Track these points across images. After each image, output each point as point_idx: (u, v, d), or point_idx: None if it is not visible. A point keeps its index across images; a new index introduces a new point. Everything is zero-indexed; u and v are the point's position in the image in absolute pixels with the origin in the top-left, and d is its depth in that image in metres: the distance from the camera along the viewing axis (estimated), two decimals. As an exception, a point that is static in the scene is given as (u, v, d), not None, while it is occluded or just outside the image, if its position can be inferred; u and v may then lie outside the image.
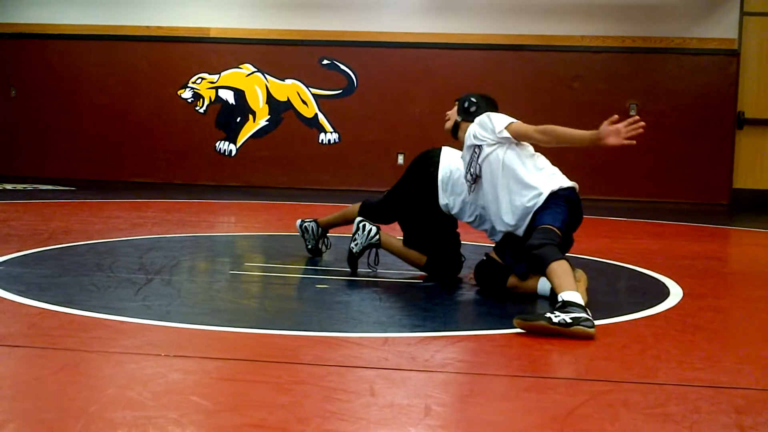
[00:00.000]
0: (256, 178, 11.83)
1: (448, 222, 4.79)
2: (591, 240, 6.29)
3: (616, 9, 11.31)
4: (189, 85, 11.90)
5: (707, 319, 3.89)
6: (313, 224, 5.34)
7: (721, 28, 11.14)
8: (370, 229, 4.74)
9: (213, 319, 3.53)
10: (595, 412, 2.44)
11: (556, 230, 3.92)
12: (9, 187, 10.12)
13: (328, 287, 4.41)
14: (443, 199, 4.68)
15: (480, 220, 4.64)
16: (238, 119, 11.89)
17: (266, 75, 11.82)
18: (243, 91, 11.87)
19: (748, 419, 2.42)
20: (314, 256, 5.33)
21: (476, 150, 4.32)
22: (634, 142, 3.82)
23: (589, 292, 4.08)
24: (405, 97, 11.57)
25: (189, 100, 11.92)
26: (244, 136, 11.90)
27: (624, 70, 11.29)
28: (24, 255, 4.94)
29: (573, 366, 3.04)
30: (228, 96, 11.88)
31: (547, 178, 4.15)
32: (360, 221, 4.79)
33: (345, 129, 11.75)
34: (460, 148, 4.57)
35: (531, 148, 4.29)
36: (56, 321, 3.37)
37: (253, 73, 11.83)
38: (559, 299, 3.48)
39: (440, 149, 4.81)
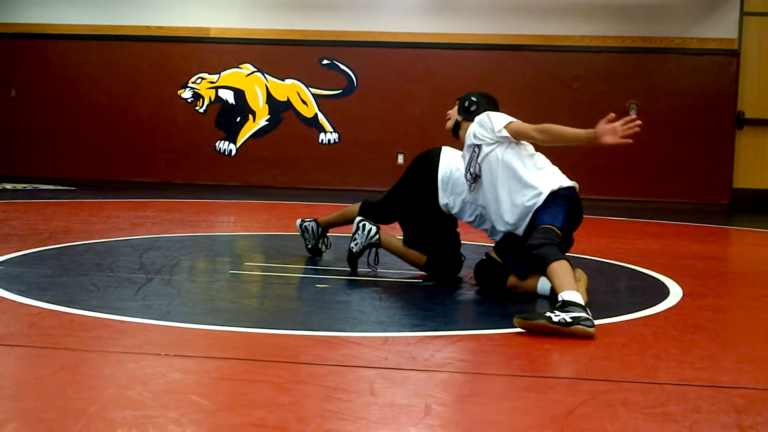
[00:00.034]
0: (255, 177, 11.83)
1: (448, 222, 4.79)
2: (591, 240, 6.29)
3: (616, 9, 11.31)
4: (189, 85, 11.90)
5: (707, 319, 3.89)
6: (313, 224, 5.34)
7: (721, 28, 11.14)
8: (370, 229, 4.74)
9: (213, 319, 3.53)
10: (595, 412, 2.44)
11: (557, 230, 3.92)
12: (9, 186, 10.12)
13: (328, 287, 4.41)
14: (443, 199, 4.68)
15: (480, 220, 4.64)
16: (238, 119, 11.89)
17: (266, 75, 11.82)
18: (243, 91, 11.87)
19: (747, 419, 2.42)
20: (314, 255, 5.33)
21: (476, 149, 4.32)
22: (631, 141, 3.81)
23: (589, 292, 4.08)
24: (405, 97, 11.57)
25: (189, 100, 11.92)
26: (243, 135, 11.90)
27: (624, 70, 11.29)
28: (24, 255, 4.94)
29: (573, 365, 3.04)
30: (228, 96, 11.88)
31: (547, 177, 4.16)
32: (360, 221, 4.79)
33: (345, 129, 11.75)
34: (461, 148, 4.57)
35: (531, 148, 4.29)
36: (56, 320, 3.37)
37: (253, 72, 11.83)
38: (559, 299, 3.48)
39: (440, 149, 4.81)
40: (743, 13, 11.15)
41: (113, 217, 7.21)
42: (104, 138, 12.05)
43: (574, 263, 3.90)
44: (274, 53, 11.79)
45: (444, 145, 4.86)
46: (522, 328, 3.36)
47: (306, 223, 5.35)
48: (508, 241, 4.32)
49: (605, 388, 2.68)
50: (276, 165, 11.82)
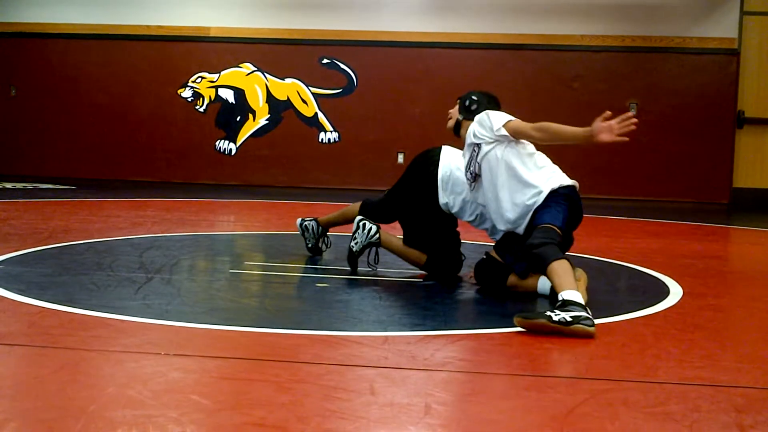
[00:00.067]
0: (255, 177, 11.83)
1: (448, 221, 4.79)
2: (591, 239, 6.29)
3: (616, 8, 11.30)
4: (189, 84, 11.90)
5: (707, 318, 3.89)
6: (313, 223, 5.34)
7: (721, 28, 11.14)
8: (370, 228, 4.74)
9: (213, 318, 3.53)
10: (595, 411, 2.44)
11: (557, 229, 3.92)
12: (9, 186, 10.12)
13: (328, 286, 4.41)
14: (443, 198, 4.68)
15: (480, 219, 4.64)
16: (238, 118, 11.89)
17: (266, 74, 11.82)
18: (243, 90, 11.87)
19: (747, 418, 2.42)
20: (314, 255, 5.33)
21: (476, 148, 4.32)
22: (627, 138, 3.81)
23: (589, 291, 4.08)
24: (405, 97, 11.57)
25: (189, 100, 11.92)
26: (244, 135, 11.90)
27: (624, 69, 11.29)
28: (24, 254, 4.94)
29: (573, 365, 3.04)
30: (228, 95, 11.88)
31: (547, 176, 4.15)
32: (360, 220, 4.79)
33: (345, 128, 11.75)
34: (462, 147, 4.57)
35: (531, 147, 4.29)
36: (56, 320, 3.37)
37: (253, 72, 11.83)
38: (560, 298, 3.48)
39: (440, 148, 4.81)
40: (743, 13, 11.15)
41: (113, 217, 7.21)
42: (104, 137, 12.05)
43: (574, 262, 3.90)
44: (274, 52, 11.79)
45: (444, 145, 4.86)
46: (522, 327, 3.36)
47: (306, 223, 5.35)
48: (508, 240, 4.32)
49: (605, 387, 2.68)
50: (276, 164, 11.82)
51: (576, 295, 3.46)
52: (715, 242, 7.36)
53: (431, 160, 4.75)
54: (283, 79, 11.81)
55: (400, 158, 11.35)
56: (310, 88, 11.76)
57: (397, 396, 2.53)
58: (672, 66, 11.23)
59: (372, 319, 3.68)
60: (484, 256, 4.42)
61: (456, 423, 2.36)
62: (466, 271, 4.66)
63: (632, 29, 11.26)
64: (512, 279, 4.26)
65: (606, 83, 11.25)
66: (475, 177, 4.38)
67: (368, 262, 4.80)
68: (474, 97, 4.51)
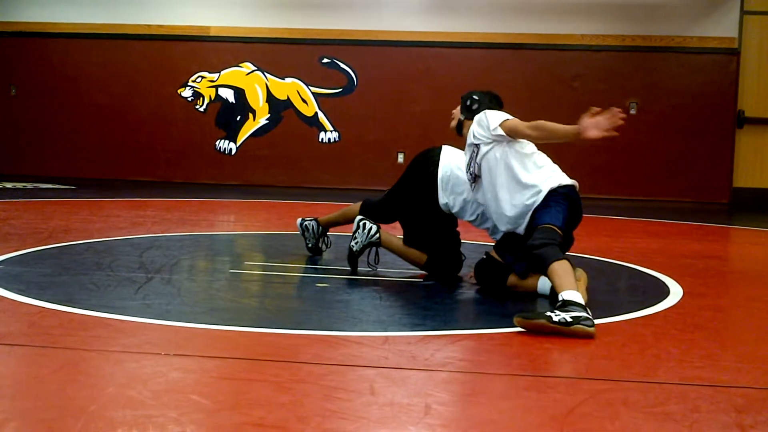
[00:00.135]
0: (256, 176, 11.82)
1: (449, 221, 4.79)
2: (591, 239, 6.29)
3: (617, 8, 11.30)
4: (189, 83, 11.90)
5: (707, 318, 3.89)
6: (313, 223, 5.34)
7: (722, 27, 11.14)
8: (371, 228, 4.74)
9: (213, 318, 3.53)
10: (595, 411, 2.44)
11: (557, 229, 3.92)
12: (9, 185, 10.12)
13: (328, 286, 4.41)
14: (443, 199, 4.68)
15: (481, 219, 4.64)
16: (238, 118, 11.89)
17: (266, 74, 11.82)
18: (243, 90, 11.86)
19: (747, 418, 2.42)
20: (314, 254, 5.33)
21: (475, 149, 4.32)
22: (617, 133, 3.79)
23: (589, 291, 4.08)
24: (405, 96, 11.57)
25: (189, 99, 11.92)
26: (244, 134, 11.90)
27: (624, 69, 11.28)
28: (24, 254, 4.94)
29: (573, 365, 3.04)
30: (228, 95, 11.87)
31: (546, 175, 4.15)
32: (360, 220, 4.78)
33: (345, 128, 11.75)
34: (464, 147, 4.57)
35: (531, 146, 4.28)
36: (56, 320, 3.37)
37: (253, 71, 11.83)
38: (560, 298, 3.48)
39: (440, 148, 4.81)
40: (743, 12, 11.14)
41: (113, 216, 7.21)
42: (104, 137, 12.05)
43: (575, 262, 3.90)
44: (274, 52, 11.78)
45: (444, 144, 4.86)
46: (522, 327, 3.35)
47: (306, 222, 5.35)
48: (508, 240, 4.32)
49: (605, 387, 2.68)
50: (276, 164, 11.81)
51: (576, 296, 3.46)
52: (715, 242, 7.36)
53: (431, 160, 4.75)
54: (283, 79, 11.80)
55: (400, 158, 11.35)
56: (310, 87, 11.76)
57: (397, 396, 2.53)
58: (672, 65, 11.23)
59: (372, 319, 3.68)
60: (484, 256, 4.42)
61: (456, 423, 2.36)
62: (466, 271, 4.66)
63: (632, 29, 11.26)
64: (512, 279, 4.26)
65: (606, 83, 11.24)
66: (474, 178, 4.38)
67: (368, 262, 4.80)
68: (475, 97, 4.50)
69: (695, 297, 4.30)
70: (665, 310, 3.96)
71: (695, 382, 2.76)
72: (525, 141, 4.24)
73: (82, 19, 12.01)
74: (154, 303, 3.74)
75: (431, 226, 4.74)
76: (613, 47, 11.29)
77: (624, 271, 5.19)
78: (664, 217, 8.86)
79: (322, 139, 11.79)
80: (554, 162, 4.30)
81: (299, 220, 5.41)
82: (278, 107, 11.83)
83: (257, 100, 11.84)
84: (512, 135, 4.16)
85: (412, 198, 4.79)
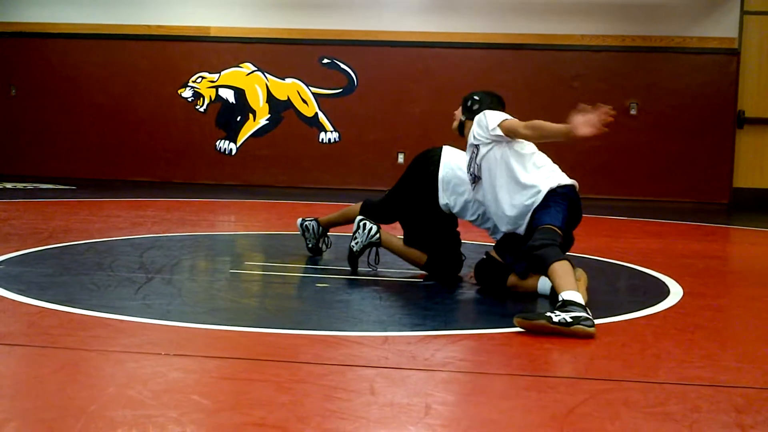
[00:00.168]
0: (256, 177, 11.82)
1: (449, 221, 4.79)
2: (591, 239, 6.29)
3: (617, 8, 11.30)
4: (189, 84, 11.90)
5: (707, 318, 3.89)
6: (313, 223, 5.34)
7: (722, 28, 11.13)
8: (371, 228, 4.74)
9: (213, 318, 3.54)
10: (595, 411, 2.44)
11: (557, 230, 3.92)
12: (9, 186, 10.12)
13: (329, 286, 4.41)
14: (443, 199, 4.67)
15: (482, 219, 4.64)
16: (239, 118, 11.89)
17: (266, 74, 11.81)
18: (243, 90, 11.86)
19: (748, 418, 2.42)
20: (314, 255, 5.33)
21: (475, 149, 4.32)
22: (607, 129, 3.78)
23: (590, 291, 4.08)
24: (405, 96, 11.57)
25: (189, 99, 11.92)
26: (244, 135, 11.90)
27: (624, 69, 11.28)
28: (24, 254, 4.94)
29: (573, 365, 3.04)
30: (228, 95, 11.87)
31: (545, 175, 4.15)
32: (360, 220, 4.78)
33: (345, 128, 11.75)
34: (464, 148, 4.57)
35: (531, 146, 4.28)
36: (56, 320, 3.37)
37: (253, 72, 11.83)
38: (560, 298, 3.48)
39: (441, 148, 4.81)
40: (743, 12, 11.14)
41: (113, 217, 7.21)
42: (104, 137, 12.05)
43: (575, 262, 3.90)
44: (275, 52, 11.78)
45: (444, 144, 4.86)
46: (522, 327, 3.35)
47: (306, 223, 5.35)
48: (508, 240, 4.32)
49: (605, 387, 2.68)
50: (276, 164, 11.81)
51: (576, 296, 3.46)
52: (715, 242, 7.36)
53: (431, 160, 4.75)
54: (284, 79, 11.80)
55: (401, 158, 11.35)
56: (310, 87, 11.76)
57: (397, 396, 2.53)
58: (672, 66, 11.23)
59: (372, 319, 3.68)
60: (484, 256, 4.42)
61: (456, 423, 2.36)
62: (467, 271, 4.66)
63: (632, 29, 11.26)
64: (512, 279, 4.26)
65: (606, 83, 11.24)
66: (475, 178, 4.38)
67: (368, 262, 4.80)
68: (476, 97, 4.50)
69: (695, 297, 4.30)
70: (665, 310, 3.96)
71: (695, 382, 2.76)
72: (524, 141, 4.24)
73: (82, 19, 12.01)
74: (154, 303, 3.74)
75: (431, 227, 4.74)
76: (613, 47, 11.29)
77: (624, 271, 5.19)
78: (664, 217, 8.86)
79: (323, 139, 11.79)
80: (554, 162, 4.30)
81: (299, 220, 5.41)
82: (278, 107, 11.83)
83: (257, 100, 11.84)
84: (510, 135, 4.16)
85: (412, 198, 4.79)
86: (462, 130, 4.56)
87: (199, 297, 4.07)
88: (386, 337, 3.26)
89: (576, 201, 4.14)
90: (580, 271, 4.14)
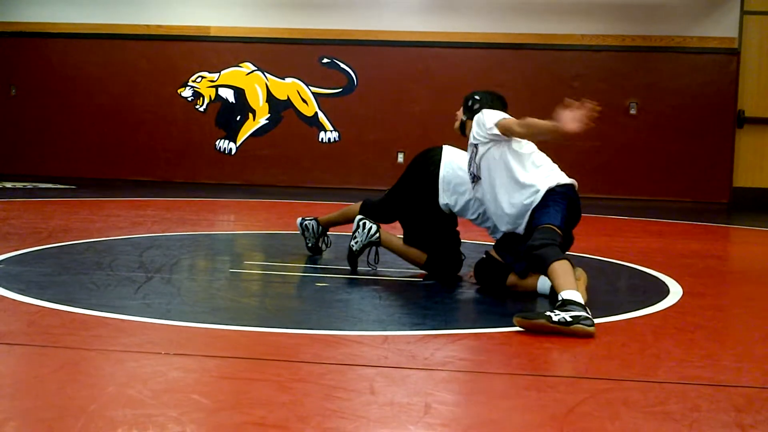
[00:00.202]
0: (256, 176, 11.82)
1: (449, 220, 4.79)
2: (591, 238, 6.29)
3: (617, 8, 11.30)
4: (189, 83, 11.89)
5: (707, 318, 3.89)
6: (313, 222, 5.34)
7: (722, 27, 11.13)
8: (371, 228, 4.74)
9: (213, 318, 3.53)
10: (595, 411, 2.44)
11: (557, 229, 3.92)
12: (9, 185, 10.12)
13: (328, 285, 4.41)
14: (443, 199, 4.67)
15: (483, 218, 4.64)
16: (238, 118, 11.89)
17: (266, 73, 11.81)
18: (243, 90, 11.86)
19: (748, 417, 2.42)
20: (314, 254, 5.33)
21: (474, 149, 4.32)
22: (593, 124, 3.77)
23: (589, 291, 4.08)
24: (405, 96, 11.57)
25: (189, 99, 11.92)
26: (244, 134, 11.90)
27: (624, 68, 11.28)
28: (24, 253, 4.94)
29: (573, 364, 3.04)
30: (228, 94, 11.87)
31: (544, 175, 4.15)
32: (360, 219, 4.79)
33: (345, 128, 11.75)
34: (465, 147, 4.57)
35: (530, 146, 4.28)
36: (56, 319, 3.37)
37: (253, 71, 11.83)
38: (559, 298, 3.48)
39: (441, 148, 4.81)
40: (743, 12, 11.14)
41: (113, 216, 7.21)
42: (104, 137, 12.04)
43: (575, 262, 3.90)
44: (275, 52, 11.78)
45: (444, 144, 4.86)
46: (522, 327, 3.35)
47: (306, 222, 5.35)
48: (508, 239, 4.32)
49: (605, 386, 2.68)
50: (276, 164, 11.81)
51: (576, 295, 3.46)
52: (715, 242, 7.36)
53: (431, 159, 4.75)
54: (283, 79, 11.80)
55: (400, 158, 11.35)
56: (310, 87, 11.76)
57: (397, 395, 2.53)
58: (672, 65, 11.22)
59: (372, 318, 3.68)
60: (484, 256, 4.42)
61: (456, 422, 2.36)
62: (466, 271, 4.66)
63: (632, 29, 11.26)
64: (512, 278, 4.26)
65: (606, 83, 11.24)
66: (474, 178, 4.38)
67: (368, 262, 4.80)
68: (476, 97, 4.50)
69: (695, 296, 4.30)
70: (665, 309, 3.96)
71: (695, 381, 2.76)
72: (523, 141, 4.24)
73: (82, 19, 12.01)
74: (154, 302, 3.74)
75: (431, 226, 4.74)
76: (613, 47, 11.29)
77: (624, 270, 5.20)
78: (664, 217, 8.86)
79: (322, 138, 11.78)
80: (554, 162, 4.30)
81: (299, 219, 5.41)
82: (278, 107, 11.83)
83: (257, 100, 11.84)
84: (506, 133, 4.16)
85: (412, 198, 4.79)
86: (463, 130, 4.57)
87: (199, 296, 4.07)
88: (386, 336, 3.26)
89: (575, 200, 4.14)
90: (579, 271, 4.14)
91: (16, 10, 12.17)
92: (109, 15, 11.94)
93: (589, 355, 3.09)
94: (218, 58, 11.84)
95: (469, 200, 4.62)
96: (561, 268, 3.63)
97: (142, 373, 2.65)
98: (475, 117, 4.34)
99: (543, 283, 4.13)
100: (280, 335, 3.25)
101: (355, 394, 2.54)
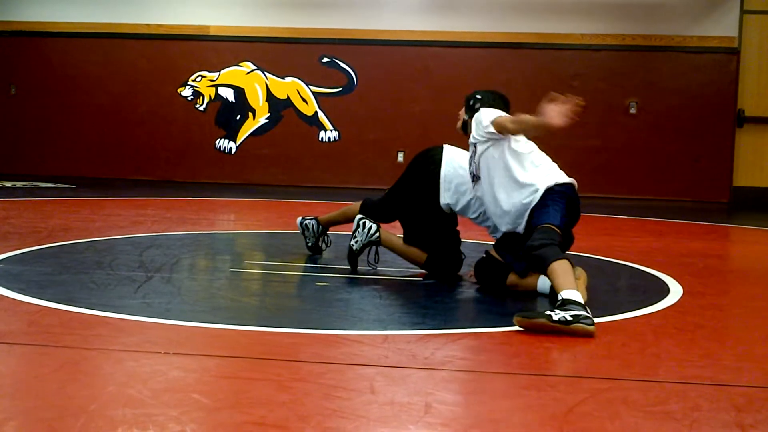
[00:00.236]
0: (255, 175, 11.82)
1: (449, 220, 4.79)
2: (591, 238, 6.28)
3: (617, 7, 11.30)
4: (189, 83, 11.89)
5: (707, 317, 3.89)
6: (313, 222, 5.34)
7: (722, 27, 11.13)
8: (371, 227, 4.74)
9: (213, 317, 3.53)
10: (595, 410, 2.44)
11: (556, 229, 3.92)
12: (9, 184, 10.12)
13: (328, 285, 4.41)
14: (444, 199, 4.67)
15: (483, 217, 4.64)
16: (238, 117, 11.89)
17: (266, 73, 11.81)
18: (243, 89, 11.86)
19: (748, 417, 2.42)
20: (314, 253, 5.33)
21: (474, 148, 4.32)
22: (578, 119, 3.77)
23: (589, 290, 4.08)
24: (405, 95, 11.57)
25: (189, 98, 11.92)
26: (244, 133, 11.89)
27: (624, 68, 11.28)
28: (24, 252, 4.94)
29: (573, 364, 3.04)
30: (228, 94, 11.87)
31: (543, 174, 4.14)
32: (360, 219, 4.78)
33: (345, 127, 11.74)
34: (466, 147, 4.57)
35: (530, 145, 4.28)
36: (56, 319, 3.37)
37: (253, 71, 11.83)
38: (559, 298, 3.48)
39: (442, 147, 4.80)
40: (743, 12, 11.14)
41: (113, 215, 7.21)
42: (104, 136, 12.04)
43: (574, 261, 3.90)
44: (274, 51, 11.78)
45: (445, 143, 4.86)
46: (522, 326, 3.35)
47: (306, 221, 5.35)
48: (508, 239, 4.31)
49: (605, 386, 2.68)
50: (276, 163, 11.81)
51: (576, 295, 3.46)
52: (715, 241, 7.36)
53: (432, 159, 4.75)
54: (283, 78, 11.80)
55: (400, 157, 11.35)
56: (310, 86, 11.76)
57: (397, 395, 2.52)
58: (672, 65, 11.22)
59: (372, 317, 3.68)
60: (484, 255, 4.41)
61: (456, 422, 2.35)
62: (466, 270, 4.66)
63: (632, 28, 11.26)
64: (512, 278, 4.26)
65: (606, 82, 11.24)
66: (474, 178, 4.38)
67: (368, 261, 4.80)
68: (478, 96, 4.50)
69: (695, 296, 4.30)
70: (665, 309, 3.96)
71: (695, 381, 2.76)
72: (522, 140, 4.24)
73: (82, 18, 12.01)
74: (154, 302, 3.74)
75: (431, 225, 4.74)
76: (613, 46, 11.28)
77: (624, 270, 5.19)
78: (664, 216, 8.86)
79: (322, 138, 11.78)
80: (554, 161, 4.30)
81: (299, 219, 5.41)
82: (278, 106, 11.83)
83: (257, 99, 11.84)
84: (502, 131, 4.16)
85: (412, 197, 4.79)
86: (466, 129, 4.56)
87: (199, 296, 4.07)
88: (386, 335, 3.26)
89: (574, 199, 4.13)
90: (580, 270, 4.13)
91: (16, 9, 12.16)
92: (109, 14, 11.94)
93: (589, 355, 3.09)
94: (218, 57, 11.84)
95: (471, 199, 4.62)
96: (560, 267, 3.63)
97: (142, 373, 2.65)
98: (474, 116, 4.34)
99: (543, 283, 4.13)
100: (280, 335, 3.25)
101: (355, 394, 2.54)
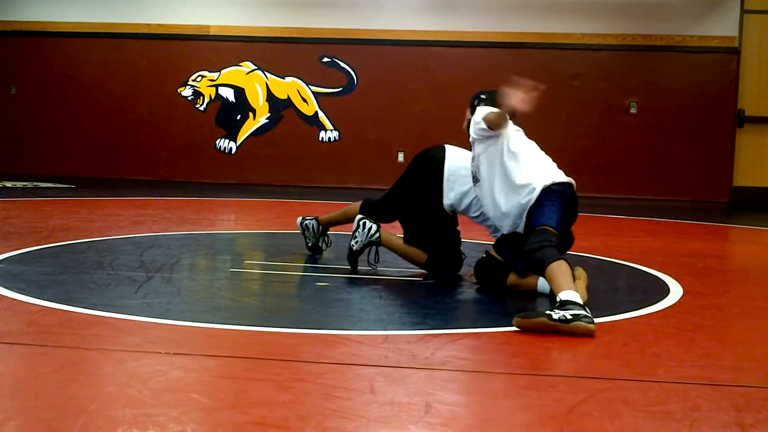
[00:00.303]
0: (256, 175, 11.82)
1: (449, 220, 4.79)
2: (591, 238, 6.29)
3: (617, 7, 11.30)
4: (189, 82, 11.90)
5: (707, 317, 3.89)
6: (313, 222, 5.34)
7: (722, 26, 11.14)
8: (371, 227, 4.74)
9: (213, 317, 3.53)
10: (595, 410, 2.44)
11: (552, 230, 3.91)
12: (9, 184, 10.12)
13: (328, 285, 4.41)
14: (448, 199, 4.66)
15: (484, 216, 4.64)
16: (238, 117, 11.89)
17: (266, 73, 11.81)
18: (243, 89, 11.86)
19: (748, 417, 2.42)
20: (314, 253, 5.33)
21: (474, 148, 4.32)
22: (540, 101, 3.82)
23: (589, 290, 4.08)
24: (405, 95, 11.57)
25: (189, 98, 11.92)
26: (244, 133, 11.90)
27: (624, 68, 11.28)
28: (24, 252, 4.94)
29: (573, 364, 3.04)
30: (228, 94, 11.87)
31: (540, 173, 4.13)
32: (360, 219, 4.78)
33: (345, 127, 11.75)
34: (464, 146, 4.57)
35: (528, 145, 4.28)
36: (56, 318, 3.37)
37: (253, 70, 11.83)
38: (558, 299, 3.48)
39: (443, 147, 4.80)
40: (744, 11, 11.14)
41: (113, 215, 7.21)
42: (104, 136, 12.05)
43: (574, 261, 3.90)
44: (275, 51, 11.78)
45: (446, 143, 4.86)
46: (521, 327, 3.35)
47: (306, 221, 5.35)
48: (508, 239, 4.31)
49: (605, 386, 2.68)
50: (276, 163, 11.82)
51: (574, 295, 3.45)
52: (715, 241, 7.36)
53: (433, 158, 4.75)
54: (284, 78, 11.80)
55: (401, 157, 11.35)
56: (310, 86, 11.76)
57: (397, 395, 2.52)
58: (672, 64, 11.23)
59: (372, 317, 3.68)
60: (484, 255, 4.41)
61: (456, 422, 2.35)
62: (467, 270, 4.66)
63: (632, 28, 11.26)
64: (512, 278, 4.26)
65: (606, 82, 11.24)
66: (474, 179, 4.38)
67: (368, 261, 4.80)
68: (481, 96, 4.50)
69: (695, 296, 4.30)
70: (665, 309, 3.96)
71: (695, 381, 2.76)
72: (520, 139, 4.24)
73: (82, 18, 12.01)
74: (154, 302, 3.74)
75: (432, 225, 4.74)
76: (614, 46, 11.29)
77: (624, 270, 5.19)
78: (663, 216, 8.86)
79: (322, 138, 11.79)
80: (553, 161, 4.30)
81: (299, 219, 5.41)
82: (278, 106, 11.83)
83: (257, 99, 11.84)
84: (492, 127, 4.16)
85: (412, 197, 4.79)
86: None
87: (199, 296, 4.07)
88: (386, 335, 3.26)
89: (571, 198, 4.12)
90: (579, 270, 4.13)
91: (16, 9, 12.17)
92: (109, 14, 11.94)
93: (589, 355, 3.09)
94: (218, 57, 11.84)
95: (472, 199, 4.61)
96: (558, 268, 3.62)
97: (142, 373, 2.65)
98: (474, 116, 4.34)
99: (543, 283, 4.12)
100: (280, 335, 3.25)
101: (356, 394, 2.54)
